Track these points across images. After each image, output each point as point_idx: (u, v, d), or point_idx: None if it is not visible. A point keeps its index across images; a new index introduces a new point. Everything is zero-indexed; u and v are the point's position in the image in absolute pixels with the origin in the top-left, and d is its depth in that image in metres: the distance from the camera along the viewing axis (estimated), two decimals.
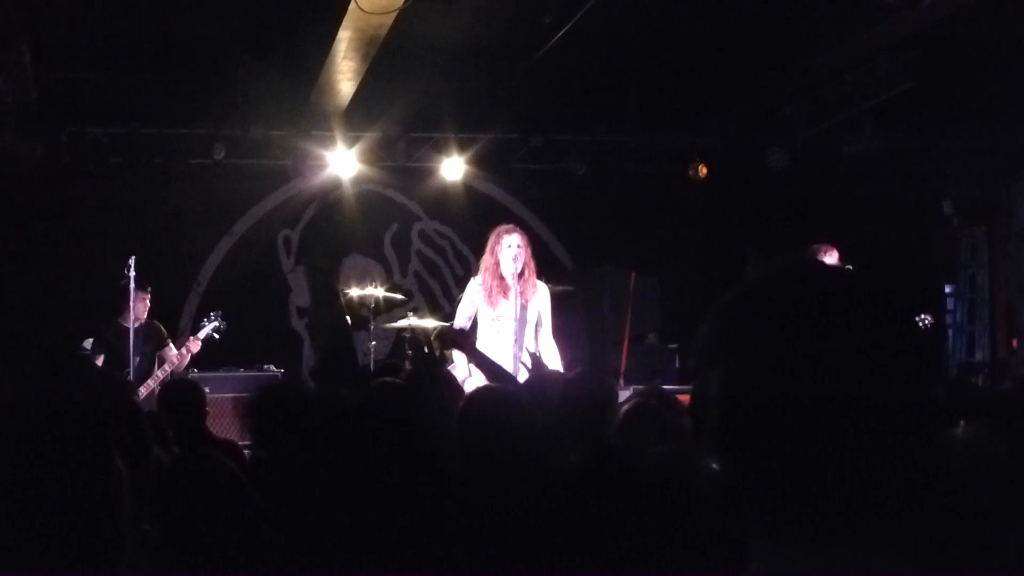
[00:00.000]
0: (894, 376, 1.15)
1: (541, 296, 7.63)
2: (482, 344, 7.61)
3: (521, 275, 7.46)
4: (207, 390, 6.32)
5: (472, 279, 7.83)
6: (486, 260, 7.60)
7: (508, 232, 7.53)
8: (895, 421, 1.14)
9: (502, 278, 7.49)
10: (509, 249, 7.43)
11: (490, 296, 7.51)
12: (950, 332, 12.04)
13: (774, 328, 1.16)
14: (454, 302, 10.68)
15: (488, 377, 5.79)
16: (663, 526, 2.36)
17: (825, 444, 1.12)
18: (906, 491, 1.13)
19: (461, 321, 7.62)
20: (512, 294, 7.43)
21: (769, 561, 1.16)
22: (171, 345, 9.51)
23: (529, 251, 7.54)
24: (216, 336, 9.56)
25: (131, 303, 9.11)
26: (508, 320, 7.46)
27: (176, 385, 6.73)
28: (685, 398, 7.69)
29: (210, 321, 9.55)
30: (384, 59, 8.91)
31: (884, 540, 1.12)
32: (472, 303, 7.62)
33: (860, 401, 1.13)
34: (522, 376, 7.51)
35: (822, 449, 1.12)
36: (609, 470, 2.53)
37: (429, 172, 11.91)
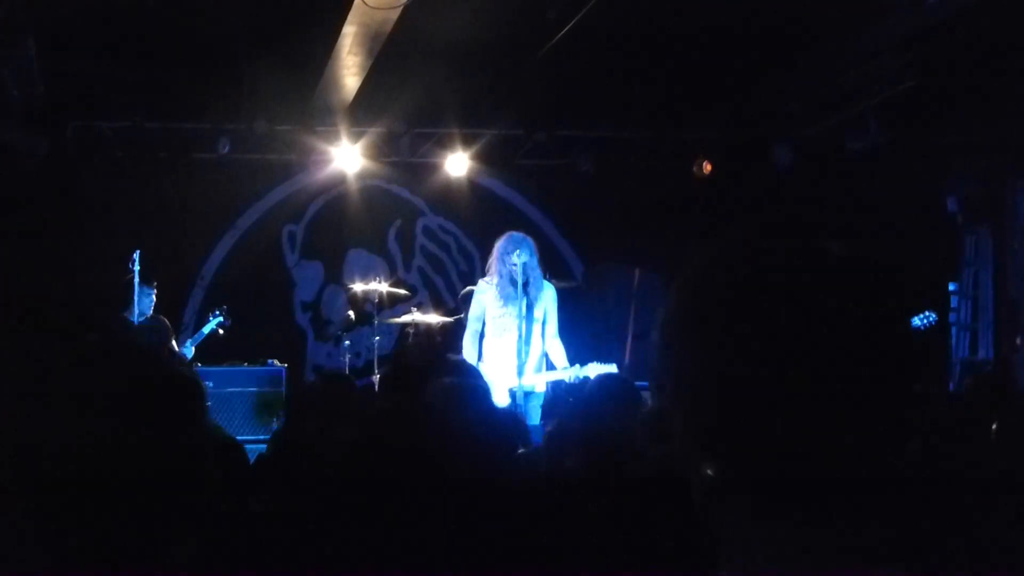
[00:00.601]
0: (881, 373, 1.14)
1: (547, 295, 7.73)
2: (489, 342, 7.71)
3: (527, 283, 7.57)
4: (210, 384, 6.35)
5: (481, 279, 7.93)
6: (495, 262, 7.71)
7: (515, 249, 7.59)
8: (887, 418, 1.13)
9: (509, 280, 7.62)
10: (515, 267, 7.52)
11: (497, 295, 7.64)
12: (953, 330, 12.03)
13: (756, 324, 1.15)
14: (457, 298, 10.72)
15: None
16: (657, 529, 2.37)
17: (811, 443, 1.12)
18: (898, 490, 1.13)
19: (473, 323, 7.74)
20: (518, 292, 7.54)
21: (754, 562, 1.16)
22: (174, 342, 9.55)
23: (535, 259, 7.65)
24: (221, 332, 9.59)
25: (136, 298, 9.13)
26: (513, 318, 7.57)
27: None
28: None
29: (214, 317, 9.59)
30: (389, 54, 8.91)
31: (875, 540, 1.12)
32: (480, 303, 7.73)
33: (849, 398, 1.12)
34: (527, 373, 7.60)
35: (808, 448, 1.12)
36: (604, 475, 2.53)
37: (433, 168, 11.92)
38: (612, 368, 7.51)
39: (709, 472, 1.15)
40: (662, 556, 2.31)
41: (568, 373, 7.59)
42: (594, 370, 7.50)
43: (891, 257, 1.21)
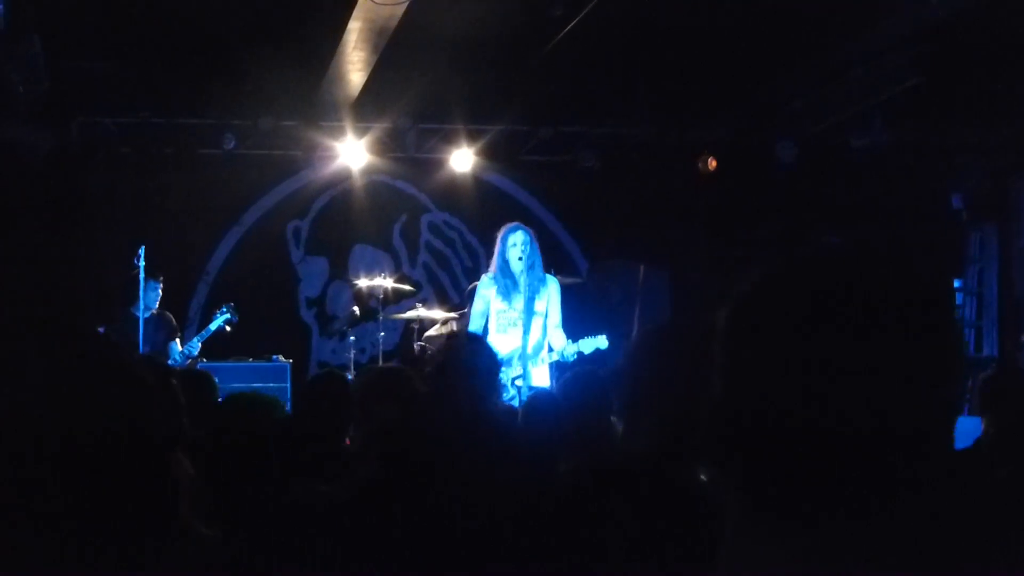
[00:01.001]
0: (902, 383, 1.14)
1: (550, 288, 7.78)
2: (493, 338, 7.73)
3: (530, 269, 7.62)
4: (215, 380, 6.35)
5: (484, 275, 7.97)
6: (495, 255, 7.77)
7: (512, 231, 7.67)
8: (900, 429, 1.13)
9: (511, 273, 7.65)
10: (514, 248, 7.59)
11: (500, 290, 7.67)
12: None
13: (780, 332, 1.15)
14: (462, 293, 10.73)
15: None
16: (657, 529, 2.37)
17: (825, 451, 1.12)
18: (905, 498, 1.13)
19: (477, 319, 7.75)
20: (521, 287, 7.58)
21: (754, 562, 1.16)
22: (178, 340, 9.58)
23: (535, 247, 7.67)
24: (228, 328, 9.60)
25: (141, 293, 9.15)
26: (517, 312, 7.61)
27: (189, 377, 6.76)
28: None
29: (221, 313, 9.61)
30: (394, 50, 8.92)
31: (875, 540, 1.13)
32: (484, 299, 7.76)
33: (866, 408, 1.12)
34: (532, 366, 7.61)
35: (823, 456, 1.12)
36: (600, 480, 2.53)
37: (438, 163, 11.92)
38: (602, 339, 7.55)
39: (708, 474, 1.16)
40: (662, 556, 2.32)
41: (565, 350, 7.62)
42: (584, 345, 7.55)
43: (894, 256, 1.21)
